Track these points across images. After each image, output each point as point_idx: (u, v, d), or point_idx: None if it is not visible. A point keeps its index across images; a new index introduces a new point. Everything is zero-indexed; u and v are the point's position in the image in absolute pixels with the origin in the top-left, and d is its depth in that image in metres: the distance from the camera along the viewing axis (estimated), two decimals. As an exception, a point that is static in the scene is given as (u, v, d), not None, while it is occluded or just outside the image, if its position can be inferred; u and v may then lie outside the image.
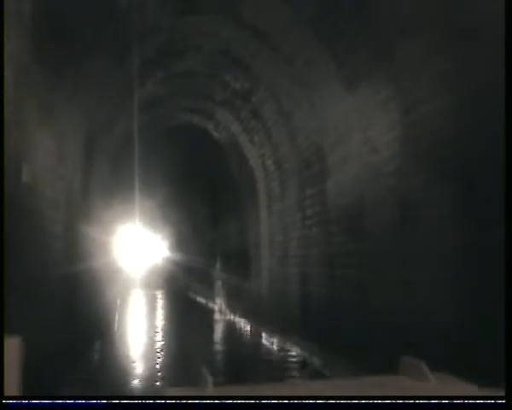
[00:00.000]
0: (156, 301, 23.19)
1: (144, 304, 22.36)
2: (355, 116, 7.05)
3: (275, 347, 10.61)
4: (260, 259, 12.20)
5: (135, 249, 28.05)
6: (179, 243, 25.06)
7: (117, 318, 15.19)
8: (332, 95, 7.48)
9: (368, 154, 6.76)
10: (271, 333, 11.17)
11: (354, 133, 7.17)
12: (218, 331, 14.54)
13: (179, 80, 10.25)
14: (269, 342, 11.16)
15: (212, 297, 19.40)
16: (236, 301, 15.17)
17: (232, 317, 15.78)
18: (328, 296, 8.01)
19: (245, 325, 13.93)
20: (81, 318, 7.43)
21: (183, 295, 23.71)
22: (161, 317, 18.20)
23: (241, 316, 14.63)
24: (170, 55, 9.13)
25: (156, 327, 14.98)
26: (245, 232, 13.74)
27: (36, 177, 4.82)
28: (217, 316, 17.47)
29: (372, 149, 6.63)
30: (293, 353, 9.46)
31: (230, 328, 14.61)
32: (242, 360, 9.69)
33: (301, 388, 2.64)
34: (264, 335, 11.76)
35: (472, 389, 2.17)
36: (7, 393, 2.17)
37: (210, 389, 2.02)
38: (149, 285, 28.13)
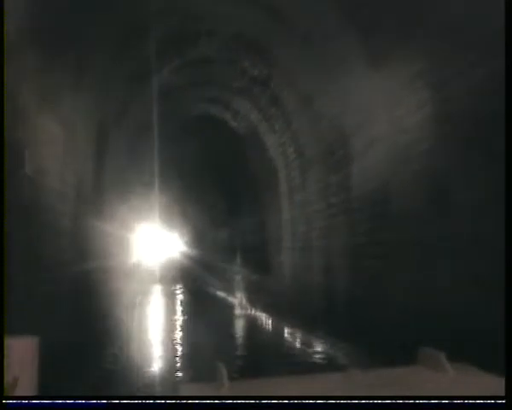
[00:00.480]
0: (175, 297, 22.93)
1: (163, 300, 22.11)
2: (381, 95, 6.61)
3: (298, 343, 10.23)
4: (281, 251, 11.82)
5: (153, 244, 27.87)
6: (197, 238, 24.78)
7: (136, 315, 14.94)
8: (356, 73, 7.04)
9: (396, 134, 6.32)
10: (294, 328, 10.79)
11: (381, 114, 6.73)
12: (239, 326, 14.20)
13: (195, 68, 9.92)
14: (292, 337, 10.78)
15: (231, 292, 19.11)
16: (257, 295, 14.81)
17: (253, 311, 15.44)
18: (356, 289, 7.59)
19: (266, 320, 13.58)
20: (96, 316, 7.29)
21: (202, 291, 23.43)
22: (180, 313, 17.92)
23: (262, 310, 14.28)
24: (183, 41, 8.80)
25: (175, 323, 14.68)
26: (265, 225, 13.37)
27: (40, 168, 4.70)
28: (237, 311, 17.14)
29: (401, 129, 6.20)
30: (319, 349, 9.05)
31: (251, 323, 14.24)
32: (264, 357, 9.30)
33: (321, 381, 2.56)
34: (286, 330, 11.39)
35: (490, 380, 2.14)
36: (24, 392, 2.21)
37: (226, 385, 2.01)
38: (168, 281, 27.92)
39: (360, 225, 7.45)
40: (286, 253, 11.58)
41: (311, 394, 1.93)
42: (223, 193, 18.45)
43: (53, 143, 5.14)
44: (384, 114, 6.58)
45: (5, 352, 2.40)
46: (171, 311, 18.22)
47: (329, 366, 7.88)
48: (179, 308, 18.90)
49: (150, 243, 26.48)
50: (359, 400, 1.76)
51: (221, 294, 20.69)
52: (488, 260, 4.30)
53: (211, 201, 19.82)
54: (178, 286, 26.15)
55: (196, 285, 24.52)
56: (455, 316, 4.68)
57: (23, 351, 2.51)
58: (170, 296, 22.53)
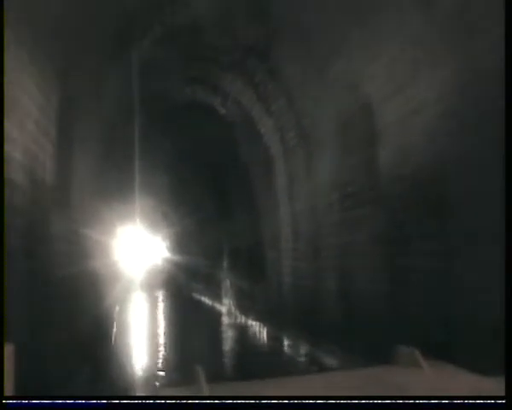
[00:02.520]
0: (157, 304, 21.41)
1: (144, 308, 20.64)
2: (411, 56, 5.28)
3: (302, 356, 8.83)
4: (280, 253, 10.38)
5: (133, 249, 26.47)
6: (181, 242, 23.17)
7: (115, 328, 13.39)
8: (380, 31, 5.68)
9: (432, 106, 4.99)
10: (295, 339, 9.37)
11: (413, 79, 5.38)
12: (228, 337, 12.70)
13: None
14: (292, 349, 9.37)
15: (218, 298, 17.57)
16: (249, 302, 13.33)
17: (244, 320, 13.96)
18: (381, 295, 6.20)
19: (260, 330, 12.13)
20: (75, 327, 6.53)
21: (186, 297, 21.95)
22: (162, 322, 16.32)
23: (254, 319, 12.81)
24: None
25: (157, 335, 13.13)
26: (259, 224, 11.93)
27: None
28: (225, 319, 15.64)
29: (438, 98, 4.87)
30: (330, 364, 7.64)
31: (242, 332, 12.84)
32: (259, 373, 7.83)
33: (298, 382, 2.59)
34: (286, 341, 9.99)
35: (466, 377, 2.26)
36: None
37: (204, 388, 2.01)
38: (150, 287, 26.46)
39: (389, 217, 6.06)
40: (285, 255, 10.16)
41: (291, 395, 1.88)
42: (208, 191, 16.87)
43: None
44: (424, 76, 5.21)
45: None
46: (152, 320, 16.81)
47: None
48: (161, 318, 17.40)
49: (127, 247, 25.04)
50: (359, 400, 1.72)
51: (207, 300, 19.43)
52: None
53: (197, 200, 18.22)
54: (161, 293, 24.77)
55: (180, 289, 23.20)
56: None
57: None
58: (151, 305, 21.20)
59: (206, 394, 2.00)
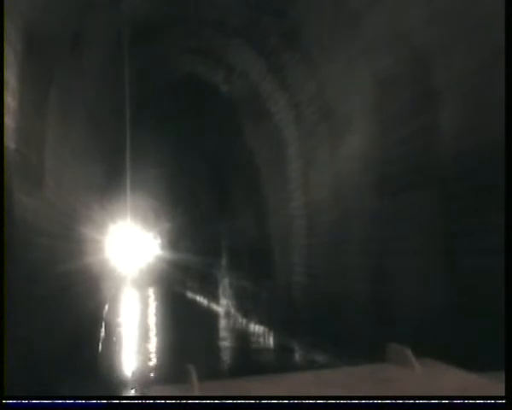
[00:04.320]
0: (149, 304, 20.11)
1: (136, 308, 19.29)
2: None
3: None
4: (292, 248, 9.06)
5: (126, 245, 25.34)
6: (177, 238, 21.77)
7: (103, 328, 12.17)
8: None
9: None
10: (310, 347, 8.05)
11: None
12: (226, 342, 11.35)
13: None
14: (308, 360, 8.06)
15: (216, 298, 16.21)
16: (251, 303, 11.99)
17: (244, 322, 12.63)
18: (435, 301, 4.90)
19: (266, 335, 10.80)
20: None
21: (180, 296, 20.88)
22: (154, 324, 14.86)
23: (258, 322, 11.48)
24: None
25: (147, 340, 11.80)
26: (265, 216, 10.59)
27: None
28: (223, 322, 14.29)
29: None
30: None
31: (243, 337, 11.49)
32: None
33: (288, 380, 2.38)
34: (298, 349, 8.68)
35: (459, 375, 2.20)
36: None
37: (195, 386, 1.97)
38: (142, 285, 25.30)
39: (447, 204, 4.76)
40: (299, 250, 8.85)
41: (282, 394, 1.90)
42: (207, 183, 15.47)
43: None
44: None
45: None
46: (143, 321, 15.49)
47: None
48: (152, 319, 16.04)
49: (116, 243, 23.71)
50: (359, 400, 1.70)
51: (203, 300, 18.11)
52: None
53: (195, 193, 16.81)
54: (153, 291, 23.61)
55: (173, 288, 22.04)
56: None
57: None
58: (143, 304, 19.98)
59: (197, 393, 1.93)
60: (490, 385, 1.98)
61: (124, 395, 6.52)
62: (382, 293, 5.86)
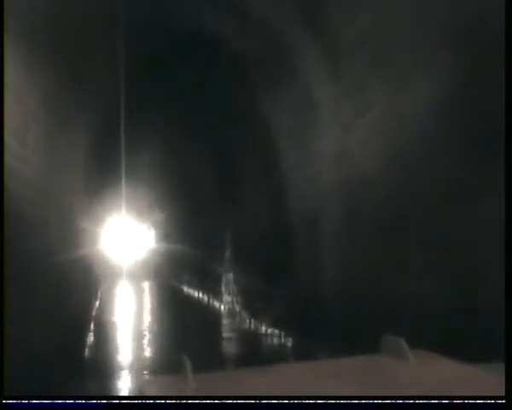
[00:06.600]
0: (143, 298, 19.25)
1: (129, 302, 18.33)
2: None
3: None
4: (315, 236, 7.65)
5: (121, 236, 24.48)
6: (176, 228, 20.32)
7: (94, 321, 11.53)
8: None
9: None
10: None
11: None
12: (231, 349, 9.89)
13: None
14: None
15: (218, 294, 14.73)
16: (262, 300, 10.58)
17: (252, 323, 11.32)
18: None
19: (283, 340, 9.27)
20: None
21: (177, 291, 19.87)
22: (147, 323, 13.35)
23: (270, 324, 9.98)
24: None
25: (140, 339, 10.61)
26: (281, 198, 9.19)
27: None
28: (225, 321, 12.80)
29: None
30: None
31: (252, 342, 9.99)
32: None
33: (282, 371, 2.40)
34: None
35: (453, 366, 2.20)
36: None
37: (190, 378, 1.99)
38: (136, 277, 25.08)
39: None
40: (324, 240, 7.46)
41: (279, 385, 1.95)
42: (211, 164, 14.00)
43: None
44: None
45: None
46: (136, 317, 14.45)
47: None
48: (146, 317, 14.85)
49: (111, 232, 22.68)
50: (359, 400, 1.67)
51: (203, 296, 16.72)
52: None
53: (197, 176, 15.30)
54: (148, 284, 22.52)
55: (168, 281, 20.77)
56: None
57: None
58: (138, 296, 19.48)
59: (192, 384, 1.92)
60: (484, 376, 1.98)
61: (123, 395, 6.36)
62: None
